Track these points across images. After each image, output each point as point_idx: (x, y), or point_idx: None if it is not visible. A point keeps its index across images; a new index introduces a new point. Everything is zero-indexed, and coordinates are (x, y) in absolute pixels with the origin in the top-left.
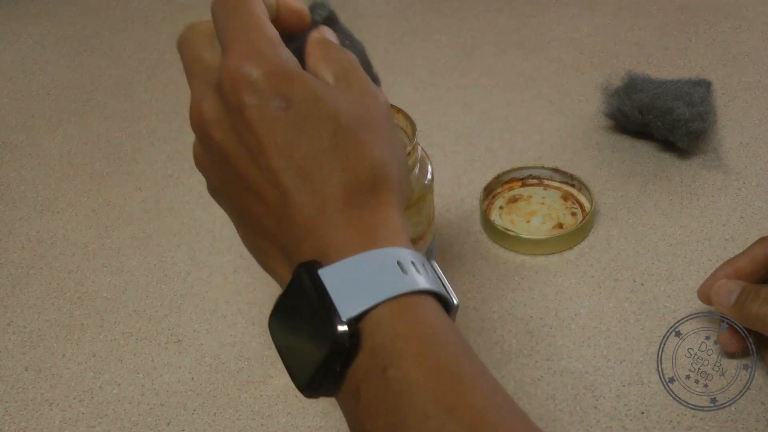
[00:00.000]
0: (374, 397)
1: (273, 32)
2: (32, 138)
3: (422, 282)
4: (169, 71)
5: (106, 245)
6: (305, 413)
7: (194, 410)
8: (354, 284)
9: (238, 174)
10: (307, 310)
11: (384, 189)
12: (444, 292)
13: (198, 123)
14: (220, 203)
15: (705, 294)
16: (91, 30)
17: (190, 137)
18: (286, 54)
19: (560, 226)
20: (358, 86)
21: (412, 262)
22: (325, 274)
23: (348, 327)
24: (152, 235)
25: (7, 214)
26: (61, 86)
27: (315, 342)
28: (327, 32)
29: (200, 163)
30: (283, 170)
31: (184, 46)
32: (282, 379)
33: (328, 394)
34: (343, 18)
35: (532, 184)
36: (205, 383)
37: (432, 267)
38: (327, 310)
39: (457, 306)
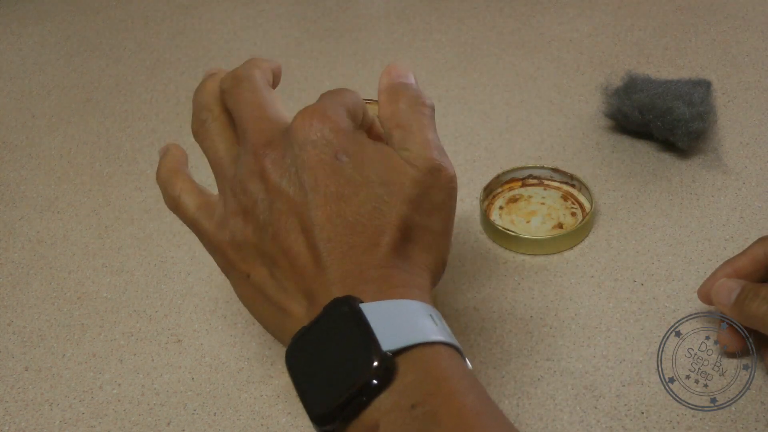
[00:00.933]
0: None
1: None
2: (32, 138)
3: (452, 338)
4: (169, 71)
5: (106, 245)
6: (305, 413)
7: (194, 410)
8: (393, 323)
9: (288, 210)
10: (344, 340)
11: (421, 249)
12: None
13: (258, 161)
14: (239, 249)
15: (705, 294)
16: (91, 30)
17: (191, 137)
18: (353, 123)
19: (560, 226)
20: (424, 158)
21: (441, 318)
22: (366, 309)
23: (386, 359)
24: (152, 235)
25: (7, 214)
26: (61, 86)
27: (349, 371)
28: (395, 70)
29: (240, 205)
30: (332, 217)
31: (248, 83)
32: (282, 379)
33: (335, 429)
34: (343, 18)
35: (532, 184)
36: (205, 383)
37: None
38: (367, 341)
39: (471, 370)
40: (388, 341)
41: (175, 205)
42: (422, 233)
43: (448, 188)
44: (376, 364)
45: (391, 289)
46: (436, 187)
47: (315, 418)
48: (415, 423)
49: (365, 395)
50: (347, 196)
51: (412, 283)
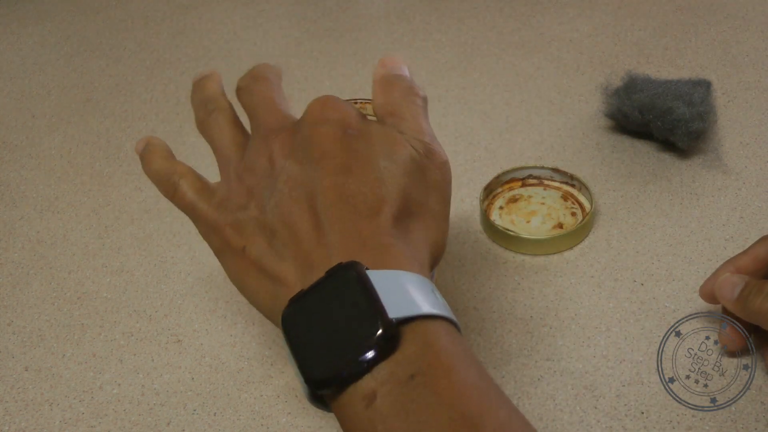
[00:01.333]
0: (394, 401)
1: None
2: (32, 138)
3: (453, 315)
4: (169, 71)
5: (106, 245)
6: (305, 413)
7: (194, 410)
8: (397, 292)
9: (293, 182)
10: (349, 305)
11: (420, 226)
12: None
13: (268, 144)
14: (238, 227)
15: (707, 292)
16: (91, 30)
17: (190, 137)
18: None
19: (560, 226)
20: (418, 141)
21: (441, 297)
22: (372, 276)
23: (390, 328)
24: (152, 235)
25: (7, 214)
26: (61, 86)
27: (352, 337)
28: (390, 62)
29: (244, 185)
30: (336, 185)
31: (264, 81)
32: (282, 379)
33: (326, 399)
34: (343, 18)
35: (532, 184)
36: (205, 383)
37: None
38: (373, 307)
39: (469, 347)
40: (393, 310)
41: (172, 191)
42: (421, 210)
43: (443, 170)
44: (380, 332)
45: (392, 259)
46: (431, 168)
47: (312, 383)
48: (413, 394)
49: (366, 362)
50: (352, 167)
51: (413, 257)
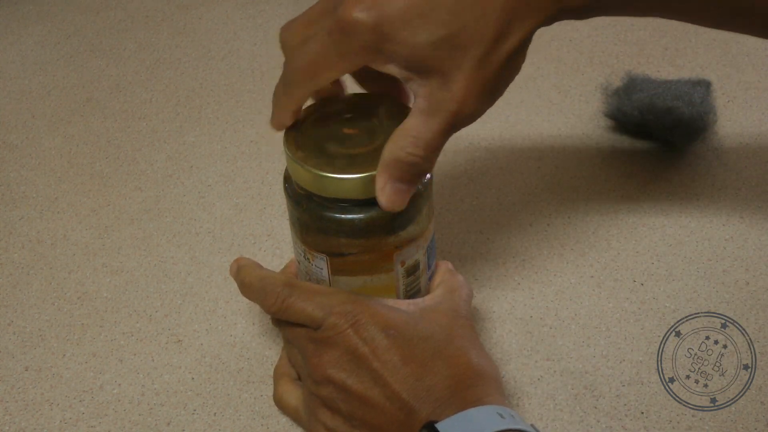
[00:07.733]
0: None
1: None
2: (32, 138)
3: (521, 424)
4: (169, 71)
5: (106, 245)
6: None
7: (194, 410)
8: (464, 428)
9: (363, 397)
10: None
11: (485, 380)
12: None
13: (321, 372)
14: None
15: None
16: (91, 30)
17: (190, 137)
18: (377, 301)
19: None
20: (449, 308)
21: (512, 415)
22: (441, 426)
23: None
24: (152, 235)
25: (7, 214)
26: (61, 86)
27: None
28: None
29: (321, 401)
30: (400, 385)
31: (290, 310)
32: None
33: None
34: None
35: None
36: (205, 383)
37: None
38: None
39: None
40: None
41: (278, 400)
42: (483, 360)
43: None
44: None
45: (465, 405)
46: (473, 332)
47: None
48: None
49: None
50: (408, 358)
51: (483, 396)
